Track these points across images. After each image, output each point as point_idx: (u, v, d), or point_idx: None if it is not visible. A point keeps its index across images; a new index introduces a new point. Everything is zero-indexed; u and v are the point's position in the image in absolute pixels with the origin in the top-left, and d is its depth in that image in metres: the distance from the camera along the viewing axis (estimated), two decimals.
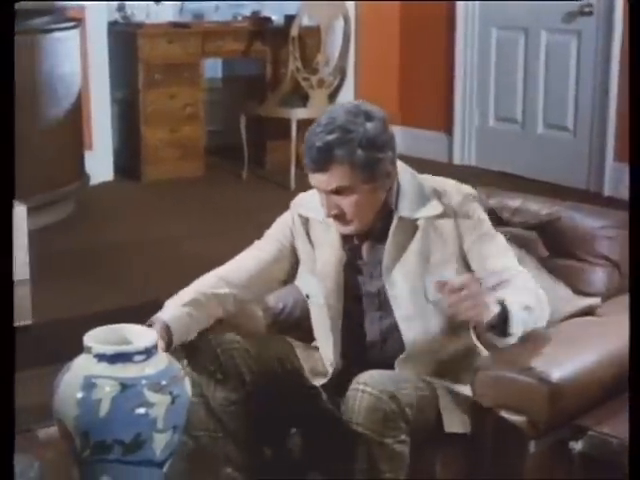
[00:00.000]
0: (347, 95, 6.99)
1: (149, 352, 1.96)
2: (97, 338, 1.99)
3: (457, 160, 7.02)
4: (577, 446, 2.32)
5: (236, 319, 2.61)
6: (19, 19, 5.22)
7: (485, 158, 6.87)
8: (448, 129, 7.07)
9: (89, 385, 1.92)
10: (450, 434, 2.39)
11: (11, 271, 1.85)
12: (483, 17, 6.78)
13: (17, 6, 5.17)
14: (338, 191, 2.35)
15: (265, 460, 2.46)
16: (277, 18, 7.01)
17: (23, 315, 3.77)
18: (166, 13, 7.05)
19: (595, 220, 2.84)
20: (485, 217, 2.48)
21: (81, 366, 1.97)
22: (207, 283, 2.51)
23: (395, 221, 2.43)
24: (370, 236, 2.47)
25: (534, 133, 6.54)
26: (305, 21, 6.61)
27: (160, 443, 1.93)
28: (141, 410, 1.90)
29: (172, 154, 6.53)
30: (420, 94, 7.25)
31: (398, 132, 7.25)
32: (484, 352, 2.50)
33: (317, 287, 2.52)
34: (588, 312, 2.68)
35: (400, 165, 2.50)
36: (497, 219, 2.97)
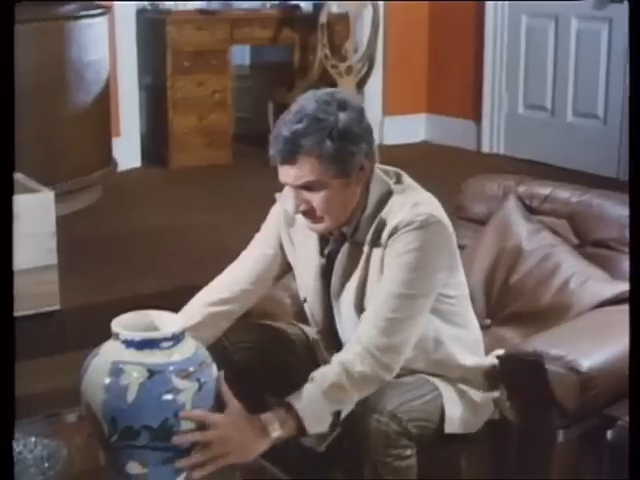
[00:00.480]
0: (375, 82, 6.98)
1: (177, 338, 1.95)
2: (125, 324, 1.99)
3: (485, 148, 6.98)
4: (607, 436, 2.30)
5: (263, 306, 2.60)
6: (48, 6, 5.24)
7: (514, 146, 6.83)
8: (477, 117, 7.03)
9: (117, 371, 1.92)
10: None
11: (11, 261, 1.84)
12: (513, 4, 6.73)
13: None
14: (307, 186, 2.20)
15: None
16: (305, 5, 6.99)
17: (51, 300, 3.79)
18: (194, 0, 7.06)
19: (625, 208, 2.80)
20: (418, 247, 2.20)
21: (109, 351, 1.97)
22: (211, 298, 2.42)
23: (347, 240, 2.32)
24: (347, 238, 2.33)
25: (564, 121, 6.50)
26: (334, 8, 6.59)
27: (188, 429, 1.93)
28: (169, 396, 1.90)
29: (200, 141, 6.53)
30: (449, 81, 7.22)
31: (426, 119, 7.31)
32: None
33: (301, 290, 2.46)
34: (624, 299, 2.65)
35: (377, 174, 2.31)
36: (527, 207, 2.96)
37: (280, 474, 2.17)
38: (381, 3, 6.75)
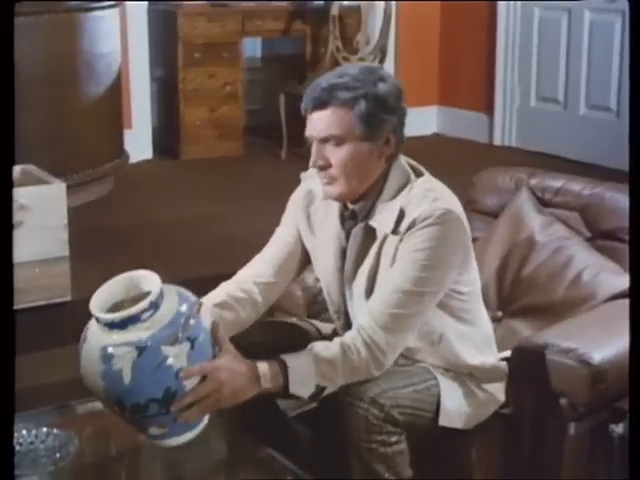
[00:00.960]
0: None
1: (155, 305, 1.94)
2: (103, 299, 1.99)
3: (497, 141, 6.96)
4: (617, 429, 2.30)
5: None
6: None
7: (526, 139, 6.81)
8: (489, 109, 7.01)
9: (107, 356, 1.92)
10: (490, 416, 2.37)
11: (11, 254, 1.85)
12: None
13: None
14: (332, 139, 2.22)
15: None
16: None
17: (62, 292, 3.79)
18: None
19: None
20: (434, 245, 2.21)
21: (96, 336, 1.97)
22: (236, 286, 2.43)
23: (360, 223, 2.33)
24: (359, 219, 2.34)
25: (576, 114, 6.47)
26: (345, 0, 6.57)
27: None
28: (163, 366, 1.91)
29: (211, 133, 6.53)
30: (460, 74, 7.20)
31: (437, 112, 7.29)
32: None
33: (318, 272, 2.48)
34: None
35: (399, 160, 2.33)
36: (539, 200, 2.95)
37: (290, 464, 2.18)
38: None
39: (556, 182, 2.98)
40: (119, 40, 5.74)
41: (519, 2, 6.75)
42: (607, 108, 6.23)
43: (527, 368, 2.35)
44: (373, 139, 2.23)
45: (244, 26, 6.66)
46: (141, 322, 1.92)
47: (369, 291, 2.30)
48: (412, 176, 2.32)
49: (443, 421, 2.29)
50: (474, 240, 3.00)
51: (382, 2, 6.55)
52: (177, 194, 5.75)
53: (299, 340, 2.45)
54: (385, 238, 2.28)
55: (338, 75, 2.24)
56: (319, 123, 2.23)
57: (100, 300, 1.99)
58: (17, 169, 4.15)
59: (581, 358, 2.26)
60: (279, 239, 2.50)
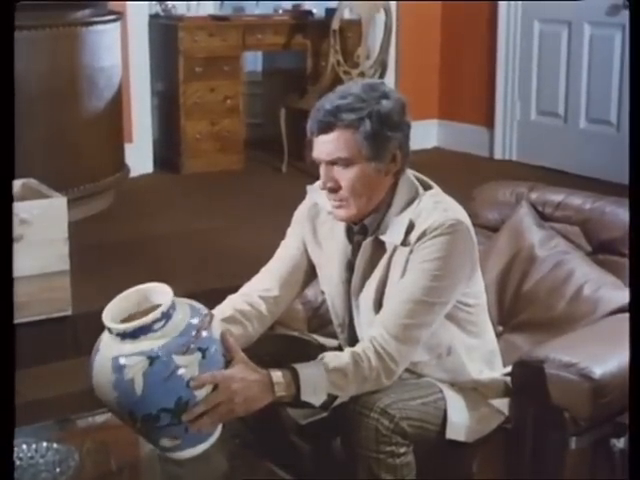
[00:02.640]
0: None
1: (167, 315, 1.95)
2: (115, 311, 2.00)
3: (498, 154, 6.97)
4: (619, 444, 2.30)
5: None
6: (61, 12, 5.25)
7: (526, 152, 6.82)
8: (489, 123, 7.02)
9: (118, 367, 1.93)
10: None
11: (11, 267, 1.85)
12: (526, 10, 6.72)
13: None
14: (339, 162, 2.24)
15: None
16: (318, 11, 6.99)
17: (63, 306, 3.79)
18: (207, 6, 7.07)
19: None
20: (444, 255, 2.22)
21: (108, 347, 1.98)
22: (243, 299, 2.44)
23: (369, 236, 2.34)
24: (369, 233, 2.35)
25: (577, 127, 6.48)
26: (346, 14, 6.59)
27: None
28: (175, 376, 1.91)
29: (212, 147, 6.53)
30: (461, 87, 7.21)
31: (438, 125, 7.30)
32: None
33: (324, 284, 2.48)
34: None
35: (407, 173, 2.35)
36: (540, 214, 2.95)
37: (286, 475, 2.18)
38: (393, 8, 6.74)
39: (556, 196, 2.98)
40: (120, 54, 5.75)
41: (520, 16, 6.76)
42: (607, 122, 6.24)
43: (528, 382, 2.35)
44: (380, 158, 2.25)
45: (245, 40, 6.67)
46: (153, 332, 1.94)
47: (377, 303, 2.31)
48: (420, 189, 2.33)
49: (450, 434, 2.30)
50: None
51: (383, 16, 6.56)
52: (178, 208, 5.76)
53: (303, 353, 2.45)
54: (395, 250, 2.29)
55: (341, 96, 2.24)
56: (326, 146, 2.24)
57: (113, 312, 2.01)
58: (18, 183, 4.15)
59: (582, 372, 2.25)
60: (285, 252, 2.51)
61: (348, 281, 2.39)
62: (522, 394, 2.37)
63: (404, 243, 2.26)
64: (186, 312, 2.00)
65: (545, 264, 2.82)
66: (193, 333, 1.95)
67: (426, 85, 7.27)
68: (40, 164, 4.85)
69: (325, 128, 2.23)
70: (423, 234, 2.23)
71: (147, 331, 1.94)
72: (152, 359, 1.91)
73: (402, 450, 2.20)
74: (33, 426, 2.30)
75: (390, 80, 6.97)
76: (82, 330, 3.67)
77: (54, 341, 3.68)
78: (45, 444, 2.14)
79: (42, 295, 3.74)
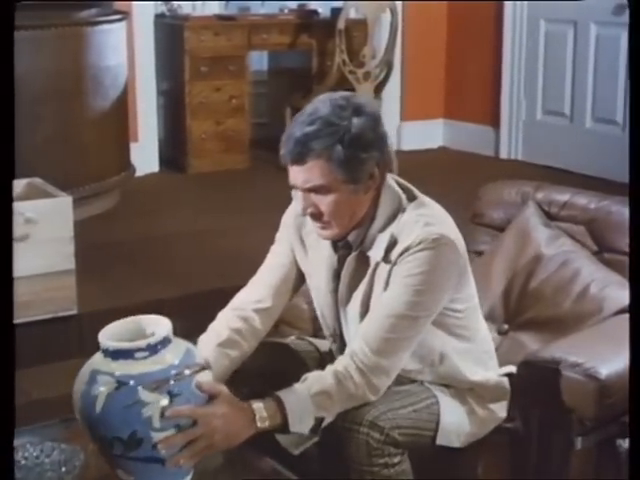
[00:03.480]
0: (393, 88, 6.97)
1: (153, 349, 1.93)
2: (113, 331, 1.98)
3: (504, 154, 6.96)
4: (624, 444, 2.29)
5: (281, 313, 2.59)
6: (66, 11, 5.26)
7: (532, 152, 6.81)
8: (495, 122, 7.01)
9: (92, 380, 1.92)
10: (494, 428, 2.36)
11: (11, 268, 1.85)
12: (532, 9, 6.71)
13: None
14: (315, 189, 2.19)
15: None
16: (323, 11, 6.99)
17: (68, 305, 3.79)
18: (212, 6, 7.08)
19: None
20: (427, 270, 2.18)
21: (95, 359, 1.97)
22: (236, 315, 2.41)
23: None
24: (354, 248, 2.32)
25: (582, 127, 6.47)
26: (352, 14, 6.59)
27: (168, 434, 1.90)
28: (134, 409, 1.88)
29: (217, 146, 6.54)
30: (467, 87, 7.20)
31: (443, 125, 7.29)
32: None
33: (312, 293, 2.46)
34: None
35: (390, 185, 2.29)
36: (545, 214, 2.95)
37: (292, 476, 2.17)
38: (399, 7, 6.73)
39: (562, 196, 2.98)
40: (125, 53, 5.76)
41: (525, 16, 6.76)
42: (613, 121, 6.23)
43: (534, 382, 2.34)
44: (357, 180, 2.19)
45: (250, 39, 6.67)
46: (133, 359, 1.91)
47: (364, 315, 2.29)
48: (404, 201, 2.28)
49: (441, 440, 2.28)
50: (480, 254, 3.01)
51: (389, 16, 6.56)
52: (183, 207, 5.76)
53: (292, 362, 2.47)
54: (378, 264, 2.26)
55: (310, 121, 2.16)
56: (300, 176, 2.19)
57: (111, 328, 1.99)
58: (23, 182, 4.15)
59: (588, 372, 2.25)
60: (275, 260, 2.47)
61: (335, 291, 2.37)
62: (527, 394, 2.36)
63: (386, 260, 2.23)
64: (178, 354, 1.96)
65: (551, 263, 2.81)
66: (171, 374, 1.91)
67: (432, 85, 7.27)
68: (46, 163, 4.85)
69: (297, 159, 2.17)
70: (406, 249, 2.20)
71: (127, 356, 1.91)
72: (120, 384, 1.89)
73: (396, 460, 2.18)
74: (38, 425, 2.31)
75: (396, 80, 6.97)
76: (87, 329, 3.68)
77: (59, 340, 3.69)
78: (51, 443, 2.14)
79: (47, 294, 3.75)
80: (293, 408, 2.09)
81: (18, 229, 3.68)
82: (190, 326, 2.29)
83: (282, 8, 7.19)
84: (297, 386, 2.13)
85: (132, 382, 1.89)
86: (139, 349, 1.92)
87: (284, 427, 2.09)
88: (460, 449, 2.31)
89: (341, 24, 6.32)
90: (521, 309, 2.82)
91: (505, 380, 2.43)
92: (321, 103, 2.20)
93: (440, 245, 2.19)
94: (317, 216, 2.24)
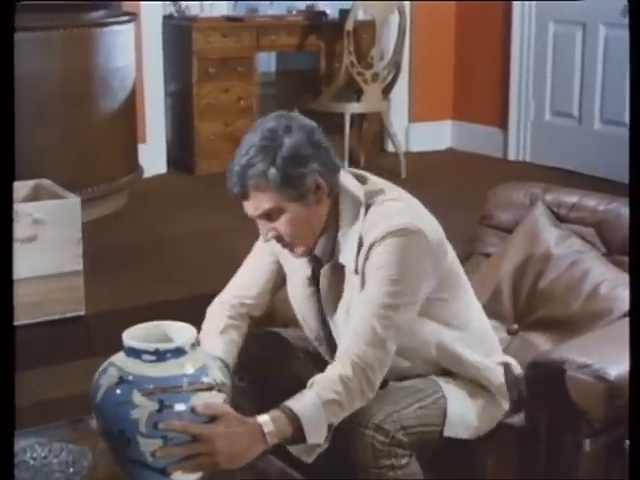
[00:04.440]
0: (401, 89, 6.96)
1: (161, 355, 1.93)
2: (141, 331, 2.00)
3: (512, 156, 6.96)
4: None
5: (282, 308, 2.60)
6: (75, 12, 5.26)
7: (540, 154, 6.80)
8: (503, 124, 7.01)
9: (104, 370, 1.97)
10: (502, 429, 2.36)
11: (11, 268, 1.85)
12: (540, 11, 6.71)
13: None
14: (267, 215, 2.22)
15: None
16: (332, 12, 6.99)
17: (76, 306, 3.80)
18: (220, 7, 7.07)
19: None
20: (396, 258, 2.18)
21: (120, 353, 2.00)
22: (229, 306, 2.46)
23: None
24: (324, 260, 2.33)
25: (591, 128, 6.46)
26: (360, 15, 6.59)
27: (147, 448, 1.90)
28: (124, 407, 1.89)
29: (225, 147, 6.52)
30: (475, 88, 7.20)
31: (452, 126, 7.29)
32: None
33: (290, 297, 2.47)
34: None
35: (347, 187, 2.29)
36: (554, 215, 2.95)
37: (300, 477, 2.17)
38: (408, 8, 6.73)
39: (571, 198, 2.97)
40: (134, 55, 5.77)
41: (534, 17, 6.75)
42: (622, 123, 6.21)
43: (542, 383, 2.34)
44: (301, 197, 2.20)
45: (259, 41, 6.68)
46: (140, 360, 1.93)
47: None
48: (361, 196, 2.27)
49: (448, 432, 2.28)
50: (488, 255, 3.00)
51: (397, 17, 6.56)
52: (191, 208, 5.76)
53: (285, 352, 2.48)
54: (352, 270, 2.27)
55: (244, 152, 2.18)
56: (249, 205, 2.23)
57: (140, 328, 2.02)
58: (31, 183, 4.17)
59: (597, 374, 2.24)
60: (259, 255, 2.52)
61: (314, 297, 2.38)
62: (536, 395, 2.36)
63: (357, 261, 2.23)
64: (189, 367, 1.96)
65: (561, 262, 2.81)
66: (169, 384, 1.92)
67: (440, 86, 7.26)
68: (54, 164, 4.87)
69: (240, 192, 2.20)
70: (371, 246, 2.20)
71: (136, 356, 1.94)
72: (120, 379, 1.92)
73: (403, 462, 2.17)
74: (46, 426, 2.31)
75: (404, 81, 6.97)
76: (95, 330, 3.68)
77: (67, 341, 3.69)
78: (59, 444, 2.14)
79: (56, 295, 3.76)
80: (308, 420, 2.05)
81: (26, 230, 3.69)
82: (199, 327, 2.29)
83: (290, 9, 7.19)
84: (307, 395, 2.10)
85: (130, 381, 1.91)
86: (146, 352, 1.93)
87: (296, 439, 2.06)
88: (468, 446, 2.30)
89: (349, 25, 6.32)
90: (531, 309, 2.82)
91: (500, 369, 2.43)
92: (253, 132, 2.21)
93: (405, 234, 2.18)
94: (279, 239, 2.26)
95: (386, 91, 6.54)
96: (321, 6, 7.11)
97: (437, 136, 7.21)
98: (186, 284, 4.33)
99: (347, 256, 2.26)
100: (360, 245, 2.23)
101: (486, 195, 3.19)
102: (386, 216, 2.22)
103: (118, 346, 2.00)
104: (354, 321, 2.21)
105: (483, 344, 2.44)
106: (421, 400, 2.27)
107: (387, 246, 2.18)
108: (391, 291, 2.18)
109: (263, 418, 2.03)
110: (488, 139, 7.08)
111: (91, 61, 5.30)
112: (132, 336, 1.98)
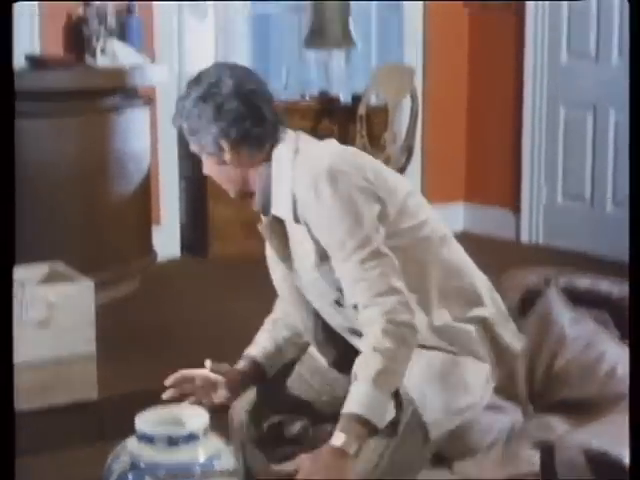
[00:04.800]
0: (414, 171, 7.00)
1: (173, 441, 1.93)
2: (153, 416, 2.01)
3: (525, 238, 6.96)
4: None
5: None
6: (91, 99, 5.32)
7: (553, 236, 6.81)
8: (515, 206, 7.03)
9: (117, 455, 1.96)
10: None
11: (11, 354, 1.86)
12: (551, 95, 6.76)
13: (89, 85, 5.29)
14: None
15: None
16: (344, 97, 7.06)
17: (89, 390, 3.79)
18: None
19: None
20: (330, 204, 2.23)
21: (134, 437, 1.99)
22: (273, 328, 2.72)
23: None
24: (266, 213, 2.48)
25: (603, 211, 6.47)
26: (372, 100, 6.65)
27: None
28: None
29: (239, 231, 6.53)
30: (487, 171, 7.23)
31: (464, 208, 7.30)
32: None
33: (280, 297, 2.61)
34: None
35: (284, 144, 2.45)
36: (568, 299, 2.95)
37: None
38: (420, 92, 6.79)
39: (584, 282, 2.97)
40: (149, 138, 5.82)
41: (545, 100, 6.80)
42: None
43: (558, 467, 2.31)
44: (213, 154, 2.56)
45: None
46: (152, 445, 1.93)
47: (324, 277, 2.30)
48: (290, 151, 2.43)
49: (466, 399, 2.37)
50: None
51: (409, 101, 6.62)
52: (205, 292, 5.76)
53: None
54: (289, 224, 2.36)
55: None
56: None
57: (152, 413, 2.02)
58: (45, 266, 4.18)
59: (613, 459, 2.22)
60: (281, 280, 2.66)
61: (288, 275, 2.52)
62: (552, 478, 2.33)
63: (295, 218, 2.30)
64: (201, 453, 1.96)
65: (576, 344, 2.81)
66: (180, 470, 1.91)
67: (452, 169, 7.30)
68: (68, 246, 4.89)
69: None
70: (302, 199, 2.26)
71: (147, 441, 1.93)
72: (132, 465, 1.92)
73: None
74: None
75: (417, 164, 7.01)
76: (107, 416, 3.66)
77: (79, 426, 3.67)
78: None
79: (68, 378, 3.75)
80: (370, 410, 2.05)
81: (40, 313, 3.70)
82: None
83: (303, 94, 7.26)
84: (355, 387, 2.09)
85: (142, 468, 1.91)
86: (158, 438, 1.93)
87: (373, 431, 2.06)
88: None
89: (362, 110, 6.38)
90: (546, 390, 2.81)
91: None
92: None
93: (328, 179, 2.25)
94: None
95: (399, 173, 6.57)
96: (334, 91, 7.19)
97: (450, 219, 7.21)
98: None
99: (281, 208, 2.33)
100: (295, 199, 2.28)
101: (500, 279, 3.19)
102: (308, 167, 2.31)
103: (131, 430, 2.00)
104: (347, 290, 2.21)
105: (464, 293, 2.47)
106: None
107: (318, 195, 2.23)
108: (345, 230, 2.20)
109: (337, 438, 2.03)
110: (501, 221, 7.09)
111: (107, 145, 5.35)
112: (145, 420, 1.97)
